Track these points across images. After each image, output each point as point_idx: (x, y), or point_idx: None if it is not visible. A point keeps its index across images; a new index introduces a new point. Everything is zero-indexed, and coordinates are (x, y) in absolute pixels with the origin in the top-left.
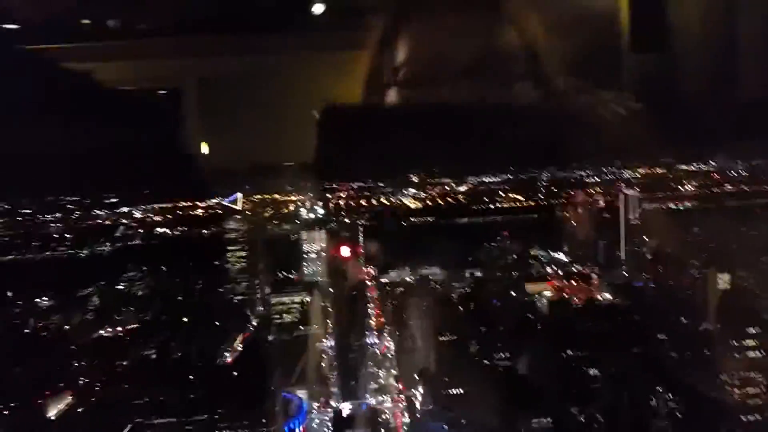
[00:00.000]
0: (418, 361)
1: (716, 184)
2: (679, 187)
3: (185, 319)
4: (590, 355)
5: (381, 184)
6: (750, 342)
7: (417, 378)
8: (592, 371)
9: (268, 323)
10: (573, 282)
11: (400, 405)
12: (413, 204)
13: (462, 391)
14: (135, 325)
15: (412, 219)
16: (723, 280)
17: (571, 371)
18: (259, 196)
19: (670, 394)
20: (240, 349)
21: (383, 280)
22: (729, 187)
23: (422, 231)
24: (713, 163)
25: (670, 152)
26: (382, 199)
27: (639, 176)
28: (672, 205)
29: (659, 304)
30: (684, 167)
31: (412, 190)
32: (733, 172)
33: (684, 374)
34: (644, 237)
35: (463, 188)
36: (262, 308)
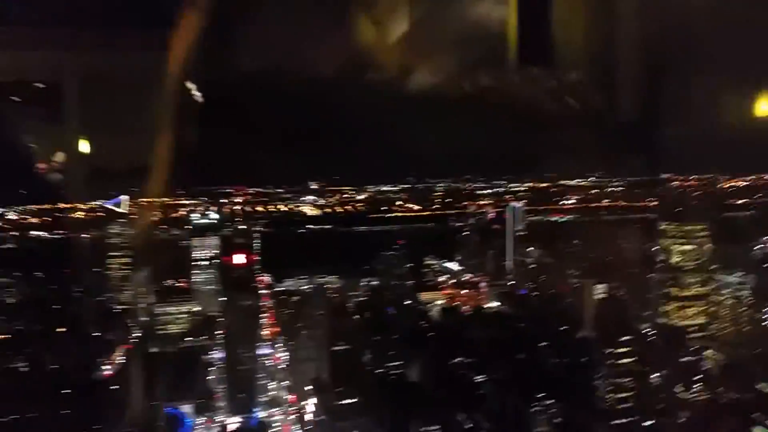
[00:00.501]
0: (311, 371)
1: (595, 198)
2: (562, 200)
3: (61, 329)
4: (478, 362)
5: (279, 190)
6: (622, 349)
7: (310, 389)
8: (479, 377)
9: (152, 334)
10: (463, 290)
11: (291, 417)
12: (312, 211)
13: (354, 401)
14: (4, 336)
15: (310, 226)
16: (599, 290)
17: (460, 378)
18: (146, 199)
19: (550, 400)
20: (120, 361)
21: (278, 289)
22: (606, 201)
23: (319, 239)
24: (593, 179)
25: (554, 167)
26: (281, 206)
27: (525, 189)
28: (555, 218)
29: (541, 311)
30: (566, 182)
31: (311, 197)
32: (610, 188)
33: (563, 380)
34: (529, 247)
35: (362, 196)
36: (146, 318)
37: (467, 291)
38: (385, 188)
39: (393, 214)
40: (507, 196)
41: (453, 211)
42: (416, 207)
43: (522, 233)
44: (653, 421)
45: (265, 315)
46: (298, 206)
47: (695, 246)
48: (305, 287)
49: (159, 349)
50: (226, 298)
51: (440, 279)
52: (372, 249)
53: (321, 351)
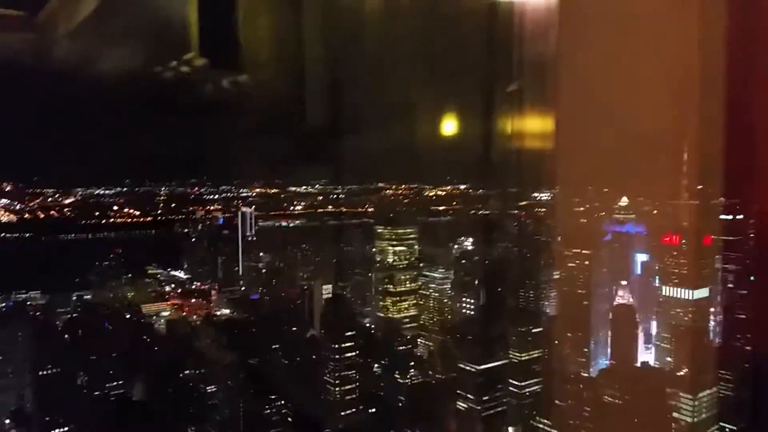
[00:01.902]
0: (10, 402)
1: (320, 205)
2: (290, 206)
3: None
4: (207, 372)
5: None
6: (347, 344)
7: (9, 422)
8: (209, 387)
9: None
10: (192, 299)
11: None
12: (6, 217)
13: (67, 429)
14: None
15: (4, 235)
16: (326, 290)
17: (188, 390)
18: None
19: (282, 401)
20: None
21: None
22: (330, 208)
23: (17, 249)
24: (318, 186)
25: (281, 173)
26: None
27: (255, 195)
28: (284, 223)
29: (273, 315)
30: (294, 189)
31: (4, 201)
32: (333, 195)
33: (294, 380)
34: (260, 252)
35: (69, 200)
36: None
37: (196, 300)
38: (97, 191)
39: (108, 220)
40: (236, 202)
41: (178, 217)
42: (136, 212)
43: (252, 239)
44: (376, 408)
45: None
46: None
47: (406, 247)
48: None
49: None
50: None
51: (166, 289)
52: (84, 259)
53: (23, 378)
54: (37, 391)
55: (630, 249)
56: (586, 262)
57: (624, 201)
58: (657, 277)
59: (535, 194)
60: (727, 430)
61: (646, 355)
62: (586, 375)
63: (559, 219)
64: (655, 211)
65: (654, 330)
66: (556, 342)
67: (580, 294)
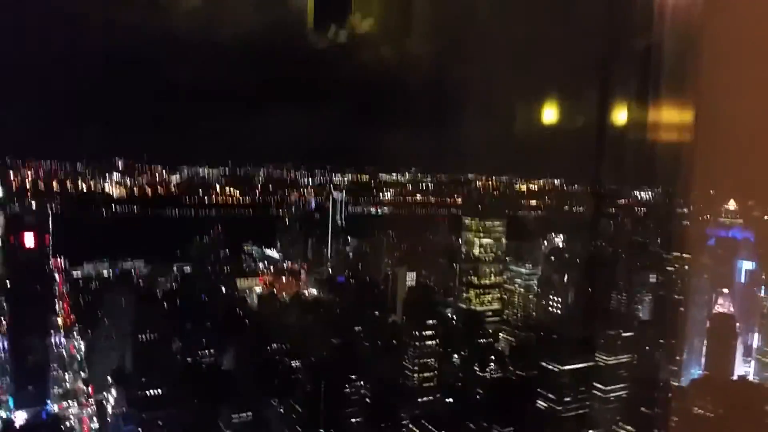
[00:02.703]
0: (112, 361)
1: (409, 194)
2: (379, 194)
3: None
4: (293, 348)
5: (79, 166)
6: (428, 332)
7: (110, 380)
8: (294, 362)
9: None
10: (283, 278)
11: (88, 410)
12: (117, 191)
13: (160, 392)
14: None
15: (115, 208)
16: (410, 278)
17: (274, 364)
18: None
19: (361, 382)
20: None
21: (75, 274)
22: (419, 197)
23: (125, 221)
24: (408, 175)
25: (373, 160)
26: (80, 184)
27: (346, 181)
28: (372, 210)
29: (357, 298)
30: (384, 176)
31: (117, 176)
32: (422, 185)
33: (374, 363)
34: (348, 237)
35: (175, 178)
36: None
37: (286, 278)
38: (200, 171)
39: (210, 199)
40: (329, 187)
41: (274, 199)
42: (236, 193)
43: (342, 223)
44: (453, 398)
45: (60, 302)
46: (102, 185)
47: (493, 240)
48: (107, 272)
49: None
50: (11, 283)
51: (259, 266)
52: (186, 234)
53: (124, 340)
54: (136, 354)
55: (734, 255)
56: (686, 267)
57: (731, 204)
58: (763, 287)
59: (635, 192)
60: None
61: (744, 368)
62: (676, 384)
63: (659, 220)
64: (765, 217)
65: (755, 342)
66: (647, 347)
67: (677, 299)
